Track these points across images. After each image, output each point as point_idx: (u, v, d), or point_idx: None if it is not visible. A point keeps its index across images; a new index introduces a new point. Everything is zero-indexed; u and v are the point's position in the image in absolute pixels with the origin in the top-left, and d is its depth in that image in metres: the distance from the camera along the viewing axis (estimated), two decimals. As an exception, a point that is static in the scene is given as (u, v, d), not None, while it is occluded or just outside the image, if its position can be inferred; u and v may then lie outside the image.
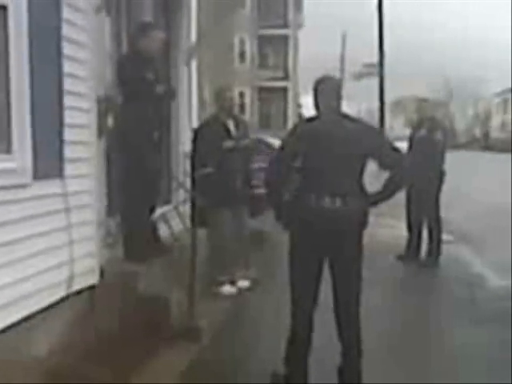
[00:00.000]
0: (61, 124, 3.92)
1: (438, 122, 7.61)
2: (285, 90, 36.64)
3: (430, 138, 7.15)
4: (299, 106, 38.80)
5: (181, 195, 6.08)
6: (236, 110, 5.78)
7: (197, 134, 5.71)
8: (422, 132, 7.23)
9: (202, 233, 4.87)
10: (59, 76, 3.91)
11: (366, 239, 3.54)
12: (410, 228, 7.32)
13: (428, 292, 6.10)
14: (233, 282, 5.59)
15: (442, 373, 3.98)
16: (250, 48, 33.27)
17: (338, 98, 3.59)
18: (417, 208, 7.16)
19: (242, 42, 31.92)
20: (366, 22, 20.90)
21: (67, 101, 3.98)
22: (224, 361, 4.14)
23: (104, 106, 4.67)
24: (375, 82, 18.01)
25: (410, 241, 7.31)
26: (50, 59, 3.82)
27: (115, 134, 4.96)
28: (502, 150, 17.49)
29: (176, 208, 5.48)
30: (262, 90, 34.83)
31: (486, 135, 44.87)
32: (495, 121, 57.41)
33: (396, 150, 3.64)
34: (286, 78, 36.67)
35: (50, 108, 3.83)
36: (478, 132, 47.02)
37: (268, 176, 3.66)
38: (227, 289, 5.50)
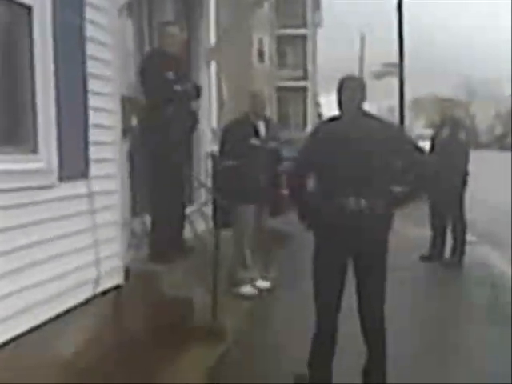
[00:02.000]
0: (86, 124, 3.93)
1: (460, 121, 7.56)
2: (304, 89, 36.57)
3: (453, 138, 7.10)
4: (318, 105, 38.70)
5: (203, 196, 6.07)
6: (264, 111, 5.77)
7: (224, 133, 5.73)
8: (445, 132, 7.18)
9: (224, 234, 4.86)
10: (83, 76, 3.93)
11: (390, 239, 3.49)
12: (433, 228, 7.26)
13: (451, 292, 6.03)
14: (253, 283, 5.58)
15: (464, 374, 3.92)
16: (268, 48, 33.21)
17: (362, 97, 3.56)
18: (441, 208, 7.10)
19: (260, 42, 31.85)
20: (385, 21, 20.78)
21: (92, 101, 4.00)
22: (247, 362, 4.12)
23: (128, 106, 4.68)
24: (395, 81, 17.87)
25: (433, 241, 7.26)
26: (74, 59, 3.83)
27: (139, 133, 4.97)
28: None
29: (199, 209, 5.48)
30: (280, 89, 34.79)
31: (507, 135, 44.43)
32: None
33: (420, 149, 3.60)
34: (304, 77, 36.60)
35: (75, 108, 3.84)
36: (499, 132, 46.50)
37: (291, 175, 3.65)
38: (247, 289, 5.48)
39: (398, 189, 3.55)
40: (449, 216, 7.12)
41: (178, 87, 5.01)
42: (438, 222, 7.21)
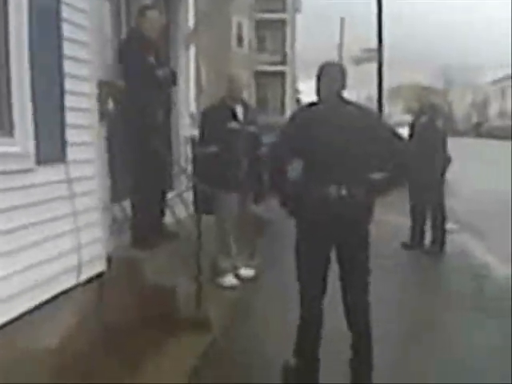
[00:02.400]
0: (62, 107, 3.84)
1: (438, 109, 7.61)
2: (282, 74, 36.46)
3: (431, 125, 7.15)
4: (297, 91, 38.64)
5: (184, 182, 6.02)
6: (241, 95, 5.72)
7: (202, 118, 5.68)
8: (424, 119, 7.22)
9: (206, 220, 4.83)
10: (59, 59, 3.84)
11: (371, 227, 3.48)
12: (413, 216, 7.30)
13: (431, 280, 6.08)
14: (237, 272, 5.56)
15: (445, 363, 3.96)
16: (247, 32, 33.01)
17: (341, 84, 3.53)
18: (420, 196, 7.13)
19: (239, 26, 31.66)
20: (365, 7, 20.76)
21: (68, 84, 3.91)
22: (233, 352, 4.10)
23: (105, 90, 4.59)
24: (374, 68, 17.90)
25: (413, 229, 7.30)
26: (50, 42, 3.74)
27: (117, 117, 4.89)
28: (501, 138, 17.45)
29: (179, 195, 5.42)
30: (259, 74, 34.62)
31: (483, 123, 44.98)
32: (493, 108, 57.40)
33: (399, 136, 3.58)
34: (283, 62, 36.48)
35: (51, 91, 3.75)
36: (475, 119, 47.03)
37: (270, 161, 3.61)
38: (229, 280, 5.44)
39: (378, 176, 3.54)
40: (428, 203, 7.15)
41: (159, 72, 4.96)
42: (418, 209, 7.24)
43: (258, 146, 5.65)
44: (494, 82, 58.16)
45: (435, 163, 6.98)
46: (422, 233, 7.27)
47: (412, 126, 7.48)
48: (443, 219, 7.15)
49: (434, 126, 7.19)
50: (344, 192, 3.33)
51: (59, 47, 3.82)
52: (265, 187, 5.34)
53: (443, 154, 7.19)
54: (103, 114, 4.56)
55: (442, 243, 7.11)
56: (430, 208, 7.18)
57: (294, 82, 37.78)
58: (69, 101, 3.91)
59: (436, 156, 7.01)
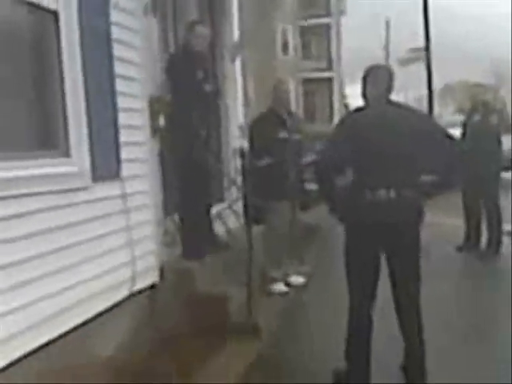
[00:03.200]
0: (116, 125, 3.97)
1: (491, 106, 7.45)
2: (329, 80, 36.23)
3: (485, 123, 6.99)
4: (344, 96, 38.33)
5: (234, 193, 6.09)
6: (289, 104, 5.76)
7: (253, 128, 5.72)
8: (476, 117, 7.07)
9: (255, 230, 4.88)
10: (111, 78, 3.97)
11: (424, 230, 3.45)
12: (467, 218, 7.14)
13: (488, 284, 5.94)
14: (287, 279, 5.58)
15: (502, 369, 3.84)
16: (292, 39, 33.02)
17: (389, 87, 3.51)
18: (474, 196, 6.98)
19: (284, 34, 31.71)
20: (411, 6, 20.46)
21: (120, 102, 4.04)
22: (284, 358, 4.12)
23: (155, 106, 4.71)
24: (421, 68, 17.62)
25: (468, 231, 7.14)
26: (101, 62, 3.88)
27: (168, 133, 5.01)
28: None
29: (230, 206, 5.49)
30: (306, 81, 34.55)
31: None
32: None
33: (450, 137, 3.54)
34: (329, 68, 36.25)
35: (104, 110, 3.88)
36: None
37: (319, 168, 3.62)
38: (279, 287, 5.47)
39: (428, 178, 3.51)
40: (483, 204, 7.00)
41: (207, 87, 5.05)
42: (472, 210, 7.08)
43: (303, 154, 5.67)
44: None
45: (490, 162, 6.82)
46: (478, 235, 7.10)
47: (464, 126, 7.32)
48: (499, 220, 6.96)
49: (487, 124, 7.04)
50: (393, 195, 3.31)
51: (110, 66, 3.95)
52: (310, 195, 5.34)
53: (498, 152, 7.03)
54: (155, 130, 4.68)
55: (498, 245, 6.93)
56: (484, 209, 7.00)
57: (341, 87, 37.47)
58: (122, 118, 4.04)
59: (491, 154, 6.84)
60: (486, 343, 4.32)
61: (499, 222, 6.97)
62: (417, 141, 3.39)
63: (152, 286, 4.30)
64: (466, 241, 7.15)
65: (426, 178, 3.51)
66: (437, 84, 17.96)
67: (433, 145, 3.45)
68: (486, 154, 6.76)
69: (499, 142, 7.04)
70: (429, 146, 3.44)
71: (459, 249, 7.13)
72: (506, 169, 13.98)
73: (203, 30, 5.24)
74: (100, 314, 3.62)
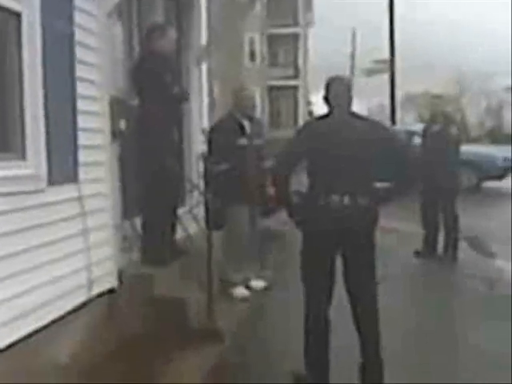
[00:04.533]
0: (74, 128, 3.93)
1: (451, 117, 7.66)
2: (295, 88, 36.57)
3: (445, 133, 7.17)
4: (309, 103, 38.70)
5: (195, 198, 6.08)
6: (251, 110, 5.78)
7: (211, 134, 5.72)
8: (436, 128, 7.24)
9: (216, 236, 4.89)
10: (72, 80, 3.93)
11: (380, 235, 3.54)
12: (425, 224, 7.30)
13: (445, 288, 6.07)
14: (248, 283, 5.59)
15: (461, 369, 3.97)
16: (259, 47, 33.23)
17: (349, 97, 3.62)
18: (432, 203, 7.13)
19: (251, 42, 31.89)
20: (377, 18, 20.84)
21: (80, 105, 4.00)
22: (245, 362, 4.13)
23: (117, 109, 4.67)
24: (386, 77, 17.93)
25: (426, 237, 7.28)
26: (62, 64, 3.84)
27: (130, 136, 4.97)
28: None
29: (191, 211, 5.48)
30: (272, 88, 34.78)
31: (497, 129, 44.83)
32: (508, 114, 57.00)
33: (406, 146, 3.66)
34: (296, 76, 36.59)
35: (63, 113, 3.84)
36: (489, 125, 46.76)
37: (276, 173, 3.70)
38: (240, 291, 5.47)
39: (383, 185, 3.60)
40: (441, 211, 7.16)
41: (175, 89, 5.02)
42: (430, 217, 7.24)
43: (264, 159, 5.70)
44: (508, 89, 57.82)
45: (448, 171, 7.00)
46: (435, 241, 7.25)
47: (424, 135, 7.51)
48: (456, 227, 7.14)
49: (447, 134, 7.22)
50: (347, 201, 3.41)
51: (72, 69, 3.92)
52: (273, 200, 5.38)
53: (457, 161, 7.24)
54: (115, 134, 4.64)
55: (455, 251, 7.10)
56: (443, 216, 7.16)
57: (306, 95, 37.87)
58: (82, 121, 4.00)
59: (449, 164, 7.04)
60: (441, 346, 4.40)
61: (456, 229, 7.14)
62: (372, 150, 3.51)
63: (110, 292, 4.25)
64: (424, 246, 7.28)
65: (380, 185, 3.60)
66: (400, 93, 18.33)
67: (389, 153, 3.58)
68: (445, 162, 6.95)
69: (457, 152, 7.24)
70: (384, 154, 3.55)
71: (417, 254, 7.26)
72: (499, 177, 14.58)
73: (171, 33, 5.22)
74: (56, 320, 3.57)
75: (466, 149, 15.81)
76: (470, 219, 8.22)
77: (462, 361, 4.18)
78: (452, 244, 7.11)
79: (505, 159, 14.78)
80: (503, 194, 14.17)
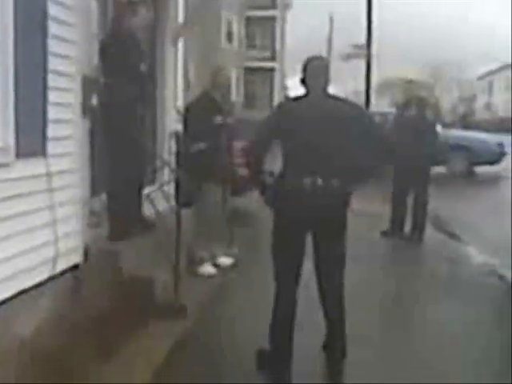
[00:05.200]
0: (44, 102, 3.89)
1: (426, 101, 7.76)
2: (272, 70, 36.46)
3: (421, 116, 7.27)
4: (285, 87, 38.63)
5: (165, 175, 6.08)
6: (227, 90, 5.81)
7: (187, 111, 5.72)
8: (413, 111, 7.30)
9: (185, 213, 4.91)
10: (44, 54, 3.88)
11: (349, 215, 3.57)
12: (394, 206, 7.39)
13: (411, 267, 6.19)
14: (215, 261, 5.64)
15: (423, 348, 4.05)
16: (237, 28, 32.99)
17: (326, 78, 3.60)
18: (404, 183, 7.25)
19: (229, 23, 31.63)
20: (355, 3, 20.82)
21: (52, 80, 3.96)
22: (210, 340, 4.16)
23: (89, 86, 4.65)
24: (362, 63, 17.97)
25: (393, 217, 7.39)
26: (35, 37, 3.79)
27: (99, 112, 4.95)
28: (488, 130, 18.08)
29: (161, 188, 5.49)
30: (248, 70, 34.62)
31: (470, 115, 45.54)
32: (480, 102, 57.80)
33: (379, 130, 3.72)
34: (273, 58, 36.47)
35: (34, 86, 3.80)
36: (462, 111, 47.47)
37: (250, 153, 3.68)
38: (206, 268, 5.51)
39: (356, 167, 3.62)
40: (412, 191, 7.27)
41: (143, 67, 5.01)
42: (400, 198, 7.33)
43: (234, 138, 5.73)
44: (481, 77, 58.51)
45: (423, 153, 7.11)
46: (402, 222, 7.36)
47: (398, 118, 7.59)
48: (425, 209, 7.26)
49: (423, 118, 7.33)
50: (319, 182, 3.41)
51: (44, 43, 3.87)
52: (243, 179, 5.42)
53: (433, 145, 7.36)
54: (86, 109, 4.62)
55: (422, 232, 7.22)
56: (412, 196, 7.27)
57: (283, 78, 37.81)
58: (53, 96, 3.96)
59: (424, 146, 7.13)
60: (406, 326, 4.52)
61: (425, 211, 7.26)
62: (347, 131, 3.50)
63: (75, 267, 4.24)
64: (391, 226, 7.38)
65: (353, 167, 3.61)
66: (375, 78, 18.39)
67: (362, 135, 3.56)
68: (420, 145, 7.05)
69: (435, 135, 7.37)
70: (358, 136, 3.54)
71: (384, 233, 7.37)
72: (491, 163, 14.77)
73: (142, 10, 5.18)
74: (21, 293, 3.56)
75: (459, 134, 16.19)
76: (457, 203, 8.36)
77: (418, 336, 4.29)
78: (419, 225, 7.21)
79: (498, 145, 15.03)
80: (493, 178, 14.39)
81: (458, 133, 16.36)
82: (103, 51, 5.01)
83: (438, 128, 14.97)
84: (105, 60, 4.98)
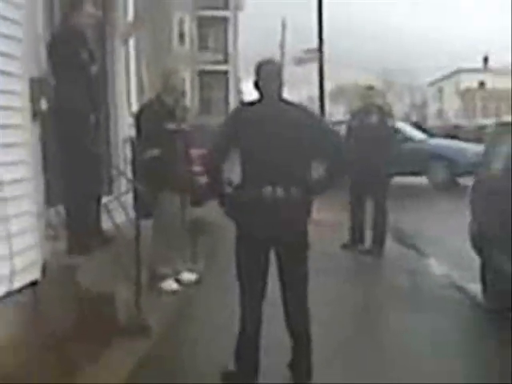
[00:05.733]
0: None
1: (385, 108, 7.66)
2: (225, 73, 36.39)
3: (381, 123, 7.08)
4: (240, 92, 38.60)
5: (122, 185, 5.83)
6: (180, 94, 5.59)
7: (139, 117, 5.49)
8: (373, 118, 7.11)
9: (145, 224, 4.69)
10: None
11: (310, 227, 3.47)
12: (353, 217, 7.30)
13: (371, 280, 6.13)
14: (178, 276, 5.43)
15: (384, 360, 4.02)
16: (189, 29, 32.74)
17: (279, 82, 3.50)
18: (361, 192, 7.15)
19: (181, 23, 31.33)
20: (306, 6, 20.94)
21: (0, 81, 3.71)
22: (173, 359, 4.01)
23: (37, 88, 4.38)
24: (315, 68, 18.07)
25: (353, 230, 7.30)
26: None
27: (49, 117, 4.68)
28: (440, 136, 18.25)
29: (118, 198, 5.25)
30: (202, 73, 34.43)
31: (422, 122, 46.77)
32: (431, 109, 59.41)
33: (337, 137, 3.63)
34: (226, 61, 36.41)
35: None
36: (414, 119, 48.62)
37: (208, 161, 3.55)
38: (169, 284, 5.31)
39: (315, 176, 3.51)
40: (370, 203, 7.18)
41: (93, 69, 4.78)
42: (357, 207, 7.23)
43: (192, 145, 5.54)
44: (431, 83, 60.08)
45: (381, 162, 6.98)
46: (361, 232, 7.27)
47: (354, 126, 7.38)
48: (384, 220, 7.16)
49: (384, 125, 7.14)
50: (280, 193, 3.29)
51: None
52: (202, 189, 5.24)
53: (392, 154, 7.25)
54: (36, 114, 4.35)
55: (382, 244, 7.12)
56: (374, 209, 7.16)
57: (237, 81, 37.77)
58: (1, 99, 3.73)
59: (383, 154, 7.01)
60: (368, 339, 4.44)
61: (384, 222, 7.17)
62: (305, 138, 3.40)
63: (33, 283, 3.99)
64: (352, 239, 7.29)
65: (313, 176, 3.50)
66: (329, 84, 18.52)
67: (320, 143, 3.47)
68: (379, 155, 6.90)
69: (394, 144, 7.25)
70: (316, 143, 3.45)
71: (344, 246, 7.27)
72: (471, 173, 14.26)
73: (89, 8, 4.95)
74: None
75: (437, 142, 15.47)
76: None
77: (379, 347, 4.25)
78: (379, 238, 7.09)
79: (477, 154, 14.53)
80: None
81: (437, 142, 15.63)
82: (51, 50, 4.77)
83: (421, 136, 14.99)
84: (52, 59, 4.74)
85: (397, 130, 7.61)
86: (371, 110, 7.20)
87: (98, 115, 5.01)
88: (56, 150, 4.76)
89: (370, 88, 7.57)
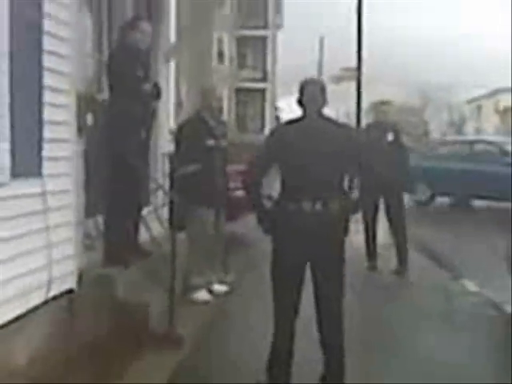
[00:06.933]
0: (40, 121, 3.80)
1: (399, 126, 7.42)
2: (263, 91, 36.61)
3: (397, 142, 6.93)
4: (276, 109, 38.73)
5: (160, 198, 5.97)
6: (219, 111, 5.73)
7: (179, 133, 5.64)
8: (390, 136, 6.92)
9: (180, 237, 4.79)
10: (39, 71, 3.80)
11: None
12: (367, 236, 7.11)
13: (401, 299, 6.05)
14: (210, 287, 5.52)
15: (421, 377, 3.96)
16: (228, 48, 33.13)
17: (323, 101, 3.57)
18: (375, 213, 7.00)
19: (220, 42, 31.75)
20: (345, 24, 21.00)
21: (47, 97, 3.87)
22: (205, 370, 4.03)
23: (84, 103, 4.55)
24: (352, 85, 18.09)
25: (368, 250, 7.13)
26: (30, 54, 3.70)
27: (97, 131, 4.84)
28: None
29: (155, 211, 5.37)
30: (239, 91, 34.72)
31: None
32: (470, 126, 58.40)
33: (371, 154, 3.70)
34: (264, 79, 36.64)
35: (29, 104, 3.70)
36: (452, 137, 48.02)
37: (248, 177, 3.64)
38: (202, 295, 5.41)
39: (354, 193, 3.57)
40: (392, 225, 7.01)
41: (146, 86, 4.91)
42: (371, 228, 7.06)
43: (228, 161, 5.64)
44: (469, 101, 59.22)
45: (397, 182, 6.85)
46: (375, 252, 7.09)
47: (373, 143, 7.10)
48: (405, 238, 7.00)
49: (399, 144, 6.98)
50: (318, 207, 3.35)
51: (39, 60, 3.79)
52: (239, 204, 5.33)
53: (404, 173, 7.13)
54: (81, 128, 4.52)
55: (406, 262, 6.94)
56: (392, 229, 7.03)
57: (274, 99, 37.91)
58: (47, 114, 3.87)
59: (401, 174, 6.92)
60: (401, 357, 4.41)
61: (405, 239, 6.99)
62: (345, 156, 3.47)
63: (69, 292, 4.10)
64: (369, 260, 7.11)
65: (351, 193, 3.56)
66: (365, 101, 18.53)
67: (356, 160, 3.54)
68: (399, 173, 6.76)
69: (407, 163, 7.10)
70: (353, 161, 3.52)
71: (371, 267, 7.08)
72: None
73: (146, 27, 5.09)
74: (13, 320, 3.42)
75: (421, 163, 15.15)
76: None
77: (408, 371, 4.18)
78: (403, 256, 6.94)
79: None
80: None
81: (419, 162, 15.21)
82: (108, 66, 4.91)
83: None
84: (109, 75, 4.87)
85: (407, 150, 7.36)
86: (383, 127, 6.98)
87: (149, 131, 5.16)
88: (99, 163, 4.91)
89: (385, 103, 7.32)
